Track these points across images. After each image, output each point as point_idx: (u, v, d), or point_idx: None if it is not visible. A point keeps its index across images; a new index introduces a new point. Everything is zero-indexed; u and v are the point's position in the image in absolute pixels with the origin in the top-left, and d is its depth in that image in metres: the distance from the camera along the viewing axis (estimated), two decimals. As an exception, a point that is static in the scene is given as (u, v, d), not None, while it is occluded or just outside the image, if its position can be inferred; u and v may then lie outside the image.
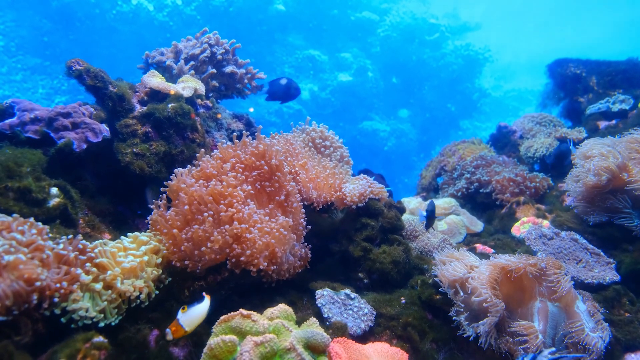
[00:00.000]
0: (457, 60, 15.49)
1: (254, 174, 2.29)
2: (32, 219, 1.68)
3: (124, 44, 12.93)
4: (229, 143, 2.41)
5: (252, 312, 1.62)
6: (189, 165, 2.31)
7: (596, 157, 2.67)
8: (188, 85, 2.85)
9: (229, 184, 2.13)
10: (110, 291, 1.70)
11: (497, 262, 1.96)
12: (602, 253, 2.58)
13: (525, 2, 26.07)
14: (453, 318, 1.99)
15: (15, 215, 1.65)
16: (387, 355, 1.79)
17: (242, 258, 1.95)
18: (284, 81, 3.28)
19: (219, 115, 3.08)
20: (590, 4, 22.58)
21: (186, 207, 2.04)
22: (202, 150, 2.43)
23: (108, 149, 2.47)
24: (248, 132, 2.55)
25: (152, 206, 2.19)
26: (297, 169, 2.56)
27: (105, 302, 1.67)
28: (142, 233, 2.13)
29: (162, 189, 2.23)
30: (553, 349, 1.77)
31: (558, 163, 2.93)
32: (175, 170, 2.23)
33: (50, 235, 1.72)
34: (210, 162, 2.28)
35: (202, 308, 1.64)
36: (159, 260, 1.96)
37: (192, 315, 1.61)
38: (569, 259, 2.54)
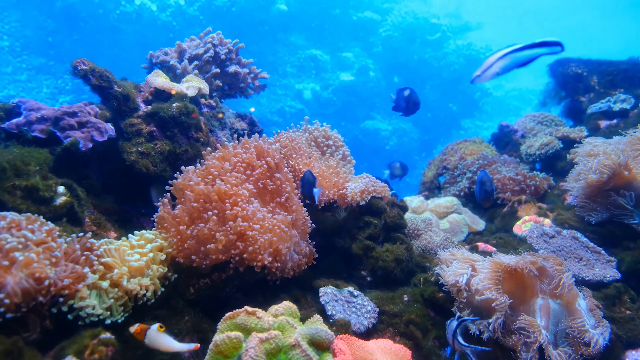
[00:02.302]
0: (459, 60, 15.46)
1: (255, 172, 2.31)
2: (41, 218, 1.71)
3: (128, 43, 12.96)
4: (229, 142, 2.43)
5: (257, 309, 1.64)
6: (197, 164, 2.33)
7: (598, 155, 2.69)
8: (192, 84, 2.87)
9: (231, 183, 2.15)
10: (116, 289, 1.72)
11: (499, 261, 1.98)
12: (602, 251, 2.59)
13: (526, 1, 26.02)
14: (456, 315, 2.01)
15: (28, 214, 1.67)
16: (390, 351, 1.81)
17: (245, 255, 1.97)
18: (406, 92, 2.86)
19: (221, 115, 3.10)
20: (591, 2, 22.52)
21: (194, 204, 2.06)
22: (209, 149, 2.45)
23: (113, 148, 2.49)
24: (251, 132, 2.57)
25: (157, 204, 2.21)
26: (300, 167, 2.57)
27: (112, 300, 1.69)
28: (148, 231, 2.16)
29: (166, 187, 2.25)
30: (459, 314, 1.92)
31: (481, 191, 2.91)
32: (183, 168, 2.25)
33: (58, 233, 1.74)
34: (213, 161, 2.31)
35: (174, 345, 1.52)
36: (163, 257, 1.98)
37: (159, 339, 1.50)
38: (570, 257, 2.56)
